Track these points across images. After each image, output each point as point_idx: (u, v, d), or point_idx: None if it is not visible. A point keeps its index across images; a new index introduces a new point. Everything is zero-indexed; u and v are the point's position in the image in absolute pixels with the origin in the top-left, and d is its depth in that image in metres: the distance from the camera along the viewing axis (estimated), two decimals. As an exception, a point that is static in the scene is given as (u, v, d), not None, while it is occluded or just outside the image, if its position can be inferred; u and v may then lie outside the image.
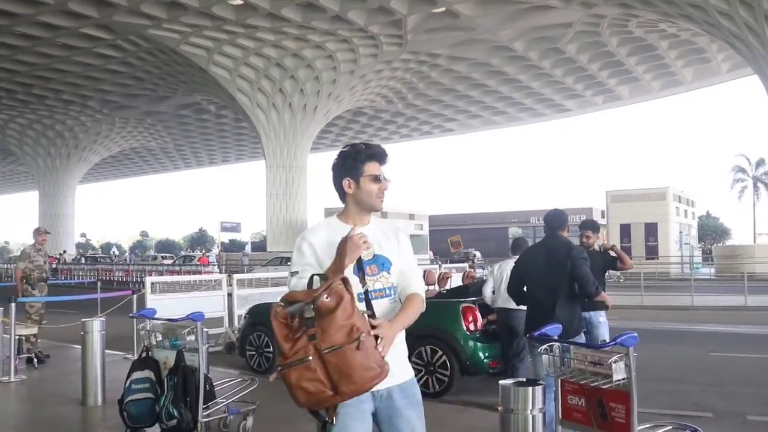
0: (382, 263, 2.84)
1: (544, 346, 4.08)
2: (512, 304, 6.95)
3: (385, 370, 2.45)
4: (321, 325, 2.39)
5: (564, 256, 5.21)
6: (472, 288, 8.59)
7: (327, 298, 2.40)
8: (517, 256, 7.27)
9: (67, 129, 47.16)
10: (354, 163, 2.83)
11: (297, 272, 2.74)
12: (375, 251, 2.83)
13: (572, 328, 5.08)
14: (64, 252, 44.66)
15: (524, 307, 5.68)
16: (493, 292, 7.46)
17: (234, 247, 70.47)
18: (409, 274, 2.98)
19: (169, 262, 40.45)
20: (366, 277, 2.76)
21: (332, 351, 2.37)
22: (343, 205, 2.93)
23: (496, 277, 7.28)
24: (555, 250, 5.32)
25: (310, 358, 2.38)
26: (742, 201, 68.41)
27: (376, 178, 2.84)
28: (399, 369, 2.80)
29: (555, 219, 5.44)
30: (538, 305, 5.26)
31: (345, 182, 2.83)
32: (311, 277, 2.60)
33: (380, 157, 2.88)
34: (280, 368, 2.44)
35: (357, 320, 2.43)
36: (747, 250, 29.42)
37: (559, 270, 5.18)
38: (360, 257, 2.73)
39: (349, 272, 2.66)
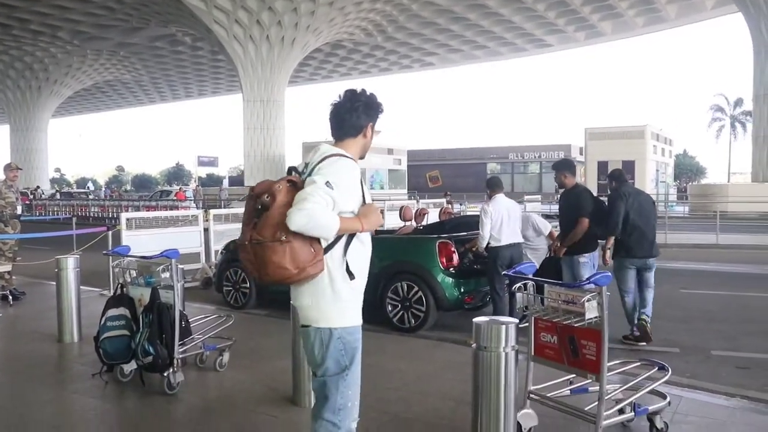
0: None
1: (519, 284, 4.13)
2: (515, 239, 7.20)
3: (304, 273, 2.71)
4: (261, 219, 2.72)
5: (652, 201, 7.32)
6: (448, 224, 8.62)
7: (267, 197, 2.71)
8: (502, 193, 7.34)
9: (36, 61, 45.81)
10: (377, 114, 3.05)
11: (333, 188, 2.72)
12: None
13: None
14: (38, 188, 44.00)
15: (521, 241, 7.40)
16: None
17: (211, 181, 69.98)
18: None
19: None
20: None
21: (257, 243, 2.70)
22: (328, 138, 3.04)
23: (495, 217, 7.21)
24: (646, 196, 7.22)
25: (246, 243, 2.75)
26: (719, 140, 69.10)
27: (376, 132, 3.12)
28: None
29: (622, 174, 7.22)
30: (642, 232, 6.80)
31: (369, 126, 3.02)
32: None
33: None
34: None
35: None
36: (721, 189, 29.72)
37: (653, 209, 7.18)
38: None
39: None
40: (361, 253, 2.93)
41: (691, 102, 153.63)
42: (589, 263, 6.83)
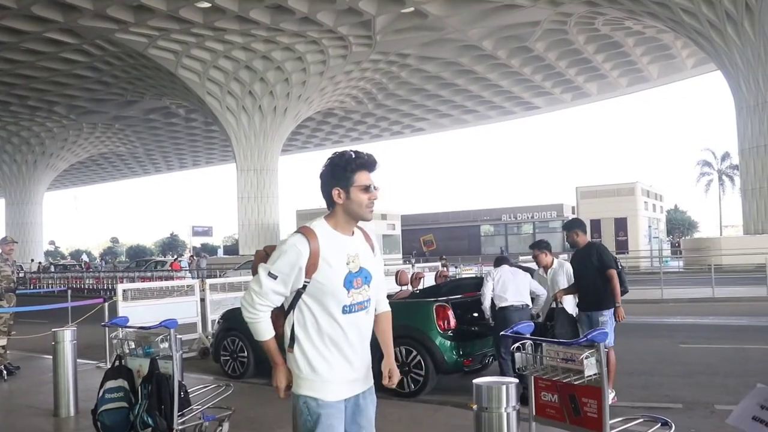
0: (365, 276, 2.90)
1: (517, 344, 4.14)
2: (521, 300, 7.20)
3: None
4: None
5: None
6: (444, 287, 8.64)
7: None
8: (506, 265, 7.41)
9: (33, 135, 46.40)
10: (344, 173, 2.82)
11: (276, 277, 2.76)
12: (360, 264, 2.89)
13: None
14: (32, 261, 43.93)
15: (528, 303, 7.23)
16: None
17: (205, 251, 69.92)
18: (382, 287, 3.09)
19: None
20: (351, 290, 2.84)
21: None
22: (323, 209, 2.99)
23: (497, 277, 7.26)
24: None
25: None
26: (708, 194, 69.79)
27: (366, 188, 2.84)
28: (367, 377, 2.99)
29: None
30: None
31: (335, 192, 2.82)
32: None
33: (370, 165, 2.88)
34: None
35: None
36: (714, 243, 29.90)
37: None
38: (349, 270, 2.82)
39: (339, 285, 2.79)
40: (311, 323, 2.83)
41: (679, 157, 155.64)
42: (609, 321, 6.75)
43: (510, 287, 7.21)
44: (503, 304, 7.18)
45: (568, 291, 7.09)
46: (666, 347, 10.12)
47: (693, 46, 31.06)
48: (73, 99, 39.29)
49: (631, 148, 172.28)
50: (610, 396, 6.52)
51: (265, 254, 2.94)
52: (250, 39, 31.30)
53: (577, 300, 7.07)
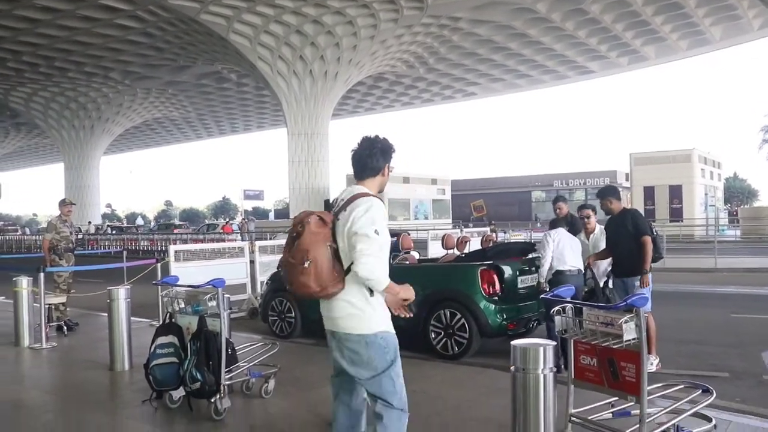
0: None
1: (557, 308, 4.14)
2: (579, 265, 7.05)
3: (325, 291, 3.22)
4: (295, 245, 3.27)
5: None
6: (490, 251, 8.63)
7: (300, 227, 3.25)
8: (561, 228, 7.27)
9: (90, 101, 47.51)
10: (391, 155, 3.53)
11: (380, 233, 3.18)
12: None
13: None
14: (90, 223, 45.40)
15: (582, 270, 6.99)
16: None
17: (257, 214, 71.04)
18: None
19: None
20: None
21: (289, 263, 3.28)
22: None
23: (556, 238, 7.07)
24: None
25: (284, 262, 3.40)
26: (770, 162, 67.23)
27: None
28: None
29: None
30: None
31: (387, 167, 3.51)
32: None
33: None
34: None
35: (313, 250, 3.18)
36: (774, 212, 28.99)
37: None
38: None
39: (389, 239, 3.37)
40: None
41: (741, 124, 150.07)
42: (645, 287, 6.64)
43: (567, 251, 7.05)
44: (561, 267, 7.00)
45: (600, 255, 7.05)
46: (717, 317, 9.93)
47: (760, 6, 29.67)
48: (128, 65, 39.99)
49: (690, 114, 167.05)
50: (654, 363, 6.49)
51: (318, 218, 3.27)
52: (301, 3, 31.23)
53: (611, 266, 6.98)
